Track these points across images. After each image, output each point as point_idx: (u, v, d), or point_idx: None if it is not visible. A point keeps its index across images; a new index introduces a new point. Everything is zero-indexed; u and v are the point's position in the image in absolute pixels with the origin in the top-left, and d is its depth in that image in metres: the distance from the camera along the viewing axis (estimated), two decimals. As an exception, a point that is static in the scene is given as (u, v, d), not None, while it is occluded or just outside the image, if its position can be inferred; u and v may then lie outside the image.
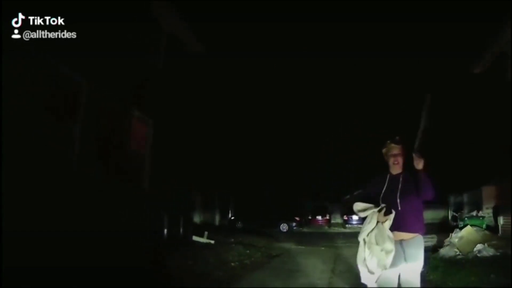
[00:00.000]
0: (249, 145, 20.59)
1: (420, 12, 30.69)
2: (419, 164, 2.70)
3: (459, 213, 9.97)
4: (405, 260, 2.81)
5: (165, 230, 8.14)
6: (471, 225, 8.67)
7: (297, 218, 20.05)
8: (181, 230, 8.79)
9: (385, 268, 2.75)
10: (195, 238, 8.99)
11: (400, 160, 2.95)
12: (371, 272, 2.81)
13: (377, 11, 33.06)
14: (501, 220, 9.06)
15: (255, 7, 27.09)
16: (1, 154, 4.58)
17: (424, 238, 8.68)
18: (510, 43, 8.32)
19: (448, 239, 8.25)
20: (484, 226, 9.21)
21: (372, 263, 2.82)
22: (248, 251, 8.33)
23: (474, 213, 9.91)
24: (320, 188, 23.00)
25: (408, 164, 2.92)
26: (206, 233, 9.27)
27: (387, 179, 2.96)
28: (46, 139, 5.64)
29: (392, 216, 2.77)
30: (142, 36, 8.58)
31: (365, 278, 2.87)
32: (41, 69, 5.76)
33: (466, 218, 9.34)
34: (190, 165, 10.62)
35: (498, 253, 7.08)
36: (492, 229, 9.33)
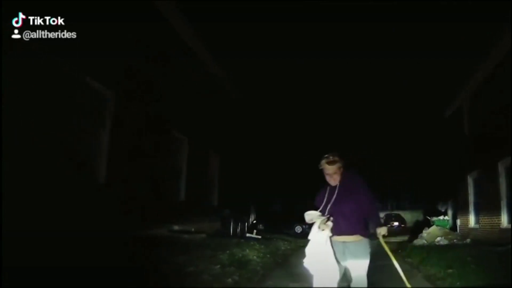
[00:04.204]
0: (267, 162, 24.47)
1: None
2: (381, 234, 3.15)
3: (430, 217, 13.92)
4: (349, 258, 3.08)
5: (231, 230, 12.14)
6: (437, 225, 12.67)
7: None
8: (238, 230, 12.77)
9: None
10: (247, 234, 12.95)
11: (335, 177, 3.15)
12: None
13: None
14: (458, 222, 13.09)
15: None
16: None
17: (403, 237, 14.28)
18: (510, 48, 9.22)
19: (420, 234, 12.25)
20: (447, 226, 13.18)
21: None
22: (285, 242, 12.26)
23: (441, 217, 13.89)
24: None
25: (345, 174, 3.18)
26: (255, 231, 13.26)
27: (327, 190, 3.20)
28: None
29: (329, 224, 3.04)
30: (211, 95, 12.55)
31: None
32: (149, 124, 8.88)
33: (435, 220, 13.30)
34: (239, 183, 14.65)
35: (449, 243, 11.08)
36: (453, 228, 13.35)
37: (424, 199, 20.29)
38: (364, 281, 3.12)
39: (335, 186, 3.16)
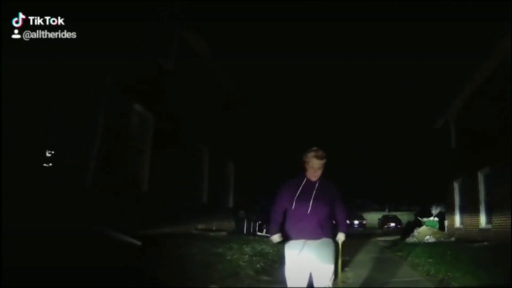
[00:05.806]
0: (273, 167, 26.03)
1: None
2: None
3: (421, 218, 15.50)
4: (312, 259, 2.93)
5: (245, 228, 13.71)
6: (427, 225, 14.24)
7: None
8: (251, 228, 14.33)
9: None
10: (258, 232, 14.51)
11: (319, 172, 3.05)
12: None
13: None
14: (446, 222, 14.69)
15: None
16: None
17: (393, 236, 16.48)
18: (510, 51, 9.23)
19: (412, 233, 13.83)
20: (437, 226, 14.74)
21: None
22: (293, 240, 13.76)
23: (431, 218, 15.46)
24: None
25: (324, 172, 3.09)
26: (264, 230, 14.82)
27: (303, 182, 3.06)
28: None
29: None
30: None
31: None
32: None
33: (425, 221, 14.88)
34: (250, 188, 16.22)
35: (437, 241, 12.65)
36: (441, 228, 14.91)
37: (420, 201, 22.04)
38: (328, 282, 2.96)
39: (314, 182, 3.08)
